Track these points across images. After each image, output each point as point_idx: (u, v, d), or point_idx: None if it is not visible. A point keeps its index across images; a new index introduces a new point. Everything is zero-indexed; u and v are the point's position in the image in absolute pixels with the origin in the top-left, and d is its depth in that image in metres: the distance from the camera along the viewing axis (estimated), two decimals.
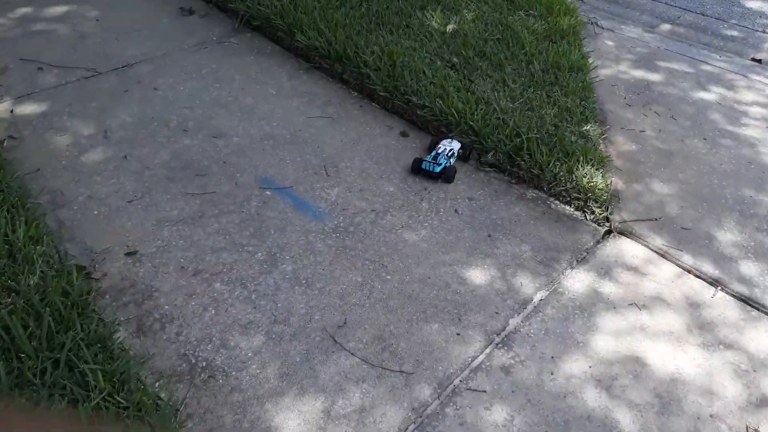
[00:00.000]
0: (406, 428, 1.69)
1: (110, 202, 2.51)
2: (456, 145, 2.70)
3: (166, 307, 2.06)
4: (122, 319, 2.00)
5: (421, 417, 1.72)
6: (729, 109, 3.41)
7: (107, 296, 2.08)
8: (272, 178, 2.68)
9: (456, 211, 2.50)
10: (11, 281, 1.92)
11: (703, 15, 5.03)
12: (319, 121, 3.07)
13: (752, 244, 2.34)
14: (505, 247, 2.32)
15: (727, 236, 2.37)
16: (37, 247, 2.11)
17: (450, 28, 3.74)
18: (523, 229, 2.41)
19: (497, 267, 2.22)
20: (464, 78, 3.19)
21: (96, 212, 2.47)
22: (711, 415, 1.72)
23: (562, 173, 2.50)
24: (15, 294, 1.88)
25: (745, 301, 2.08)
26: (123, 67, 3.48)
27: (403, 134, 2.98)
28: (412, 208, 2.51)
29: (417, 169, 2.65)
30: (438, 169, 2.59)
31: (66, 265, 2.10)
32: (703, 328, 1.99)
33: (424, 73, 3.17)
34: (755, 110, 3.42)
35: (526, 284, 2.15)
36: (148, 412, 1.60)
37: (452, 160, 2.66)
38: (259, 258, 2.26)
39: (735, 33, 4.74)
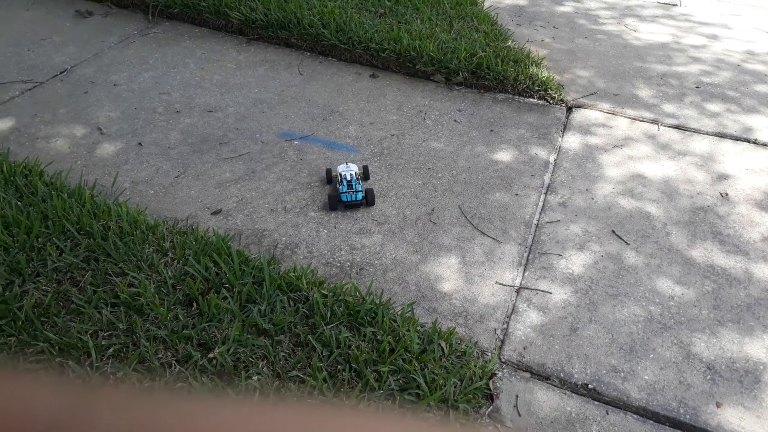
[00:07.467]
0: (522, 255, 2.41)
1: (159, 181, 2.81)
2: (354, 168, 2.68)
3: (283, 239, 2.51)
4: (255, 255, 2.42)
5: (527, 248, 2.45)
6: (586, 15, 4.53)
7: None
8: (290, 131, 3.15)
9: (455, 120, 3.21)
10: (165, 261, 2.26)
11: None
12: (293, 81, 3.56)
13: (660, 94, 3.40)
14: (508, 134, 3.10)
15: (643, 92, 3.41)
16: (148, 222, 2.43)
17: None
18: (512, 120, 3.21)
19: (512, 148, 3.00)
20: (397, 23, 3.88)
21: (152, 192, 2.76)
22: (698, 193, 2.68)
23: (521, 76, 3.33)
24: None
25: (678, 127, 3.11)
26: (61, 73, 3.60)
27: (373, 76, 3.60)
28: (421, 127, 3.17)
29: (335, 206, 2.61)
30: (360, 196, 2.59)
31: (183, 228, 2.45)
32: (664, 148, 2.97)
33: (364, 24, 3.79)
34: (602, 12, 4.59)
35: (539, 152, 2.95)
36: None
37: (361, 183, 2.64)
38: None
39: None
